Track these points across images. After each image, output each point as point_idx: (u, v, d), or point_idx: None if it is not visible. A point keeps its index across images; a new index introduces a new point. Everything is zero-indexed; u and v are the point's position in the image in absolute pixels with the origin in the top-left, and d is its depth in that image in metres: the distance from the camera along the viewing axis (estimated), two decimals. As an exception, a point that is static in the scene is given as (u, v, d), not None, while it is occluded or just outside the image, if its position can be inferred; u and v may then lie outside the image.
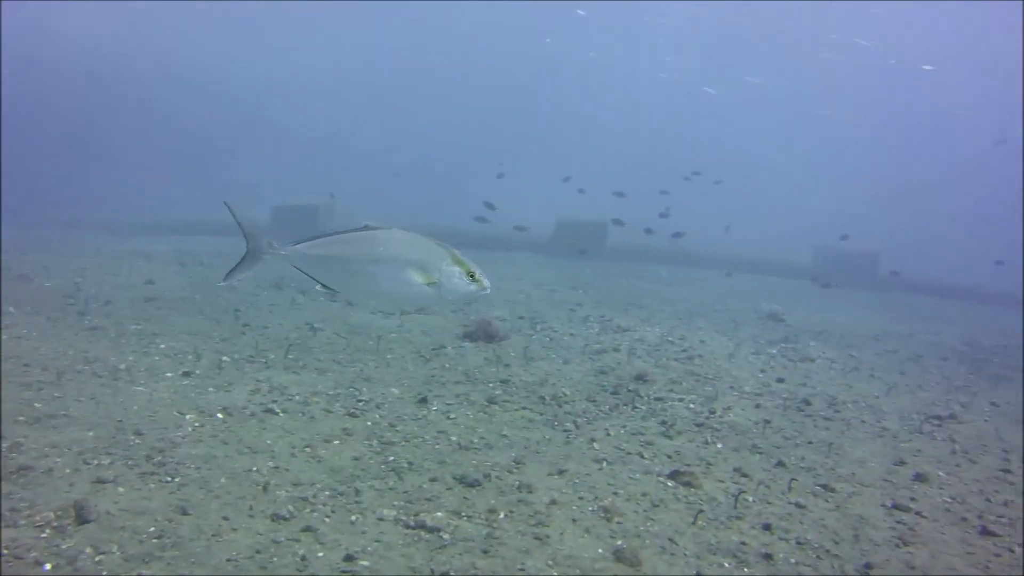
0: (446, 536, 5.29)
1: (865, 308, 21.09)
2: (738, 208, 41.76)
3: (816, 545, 5.64)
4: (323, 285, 5.20)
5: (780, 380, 10.58)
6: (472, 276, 5.17)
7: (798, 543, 5.65)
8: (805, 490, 6.71)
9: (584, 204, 26.32)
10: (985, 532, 6.35)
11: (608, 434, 7.76)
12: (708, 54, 55.80)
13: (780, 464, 7.28)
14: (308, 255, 5.17)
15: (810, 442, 8.04)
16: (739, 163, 56.43)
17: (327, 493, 5.82)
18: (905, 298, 24.89)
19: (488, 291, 5.28)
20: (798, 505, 6.34)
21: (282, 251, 5.18)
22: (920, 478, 7.33)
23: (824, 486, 6.82)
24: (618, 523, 5.75)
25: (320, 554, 4.90)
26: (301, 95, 61.36)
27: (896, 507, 6.56)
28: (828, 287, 21.99)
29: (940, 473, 7.62)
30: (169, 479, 5.84)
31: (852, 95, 59.55)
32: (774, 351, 12.64)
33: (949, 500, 6.94)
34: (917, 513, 6.51)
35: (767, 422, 8.53)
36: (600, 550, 5.29)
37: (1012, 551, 6.14)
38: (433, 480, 6.25)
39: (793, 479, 6.87)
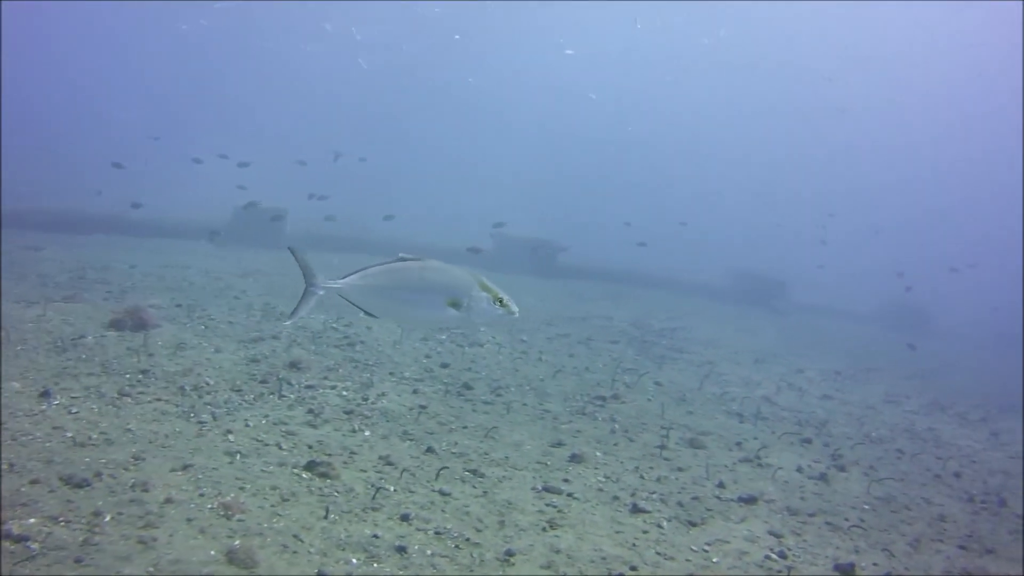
0: (35, 546, 4.48)
1: (535, 294, 21.50)
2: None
3: (456, 534, 5.33)
4: (366, 312, 5.75)
5: (445, 365, 10.35)
6: (500, 302, 5.57)
7: (437, 533, 5.31)
8: (453, 477, 6.43)
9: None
10: (636, 510, 6.35)
11: (247, 425, 7.13)
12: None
13: (430, 451, 6.97)
14: (355, 286, 5.69)
15: (466, 427, 7.82)
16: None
17: None
18: (576, 284, 25.66)
19: (516, 314, 5.65)
20: (442, 493, 6.03)
21: (334, 285, 5.73)
22: (576, 459, 7.30)
23: (474, 472, 6.58)
24: (239, 520, 5.15)
25: None
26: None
27: (547, 490, 6.44)
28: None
29: (597, 453, 7.63)
30: None
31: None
32: (444, 337, 12.42)
33: (603, 480, 6.94)
34: (569, 495, 6.42)
35: (423, 408, 8.23)
36: (213, 552, 4.70)
37: (660, 526, 6.12)
38: (34, 482, 5.35)
39: (443, 466, 6.53)
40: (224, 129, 52.34)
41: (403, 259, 5.68)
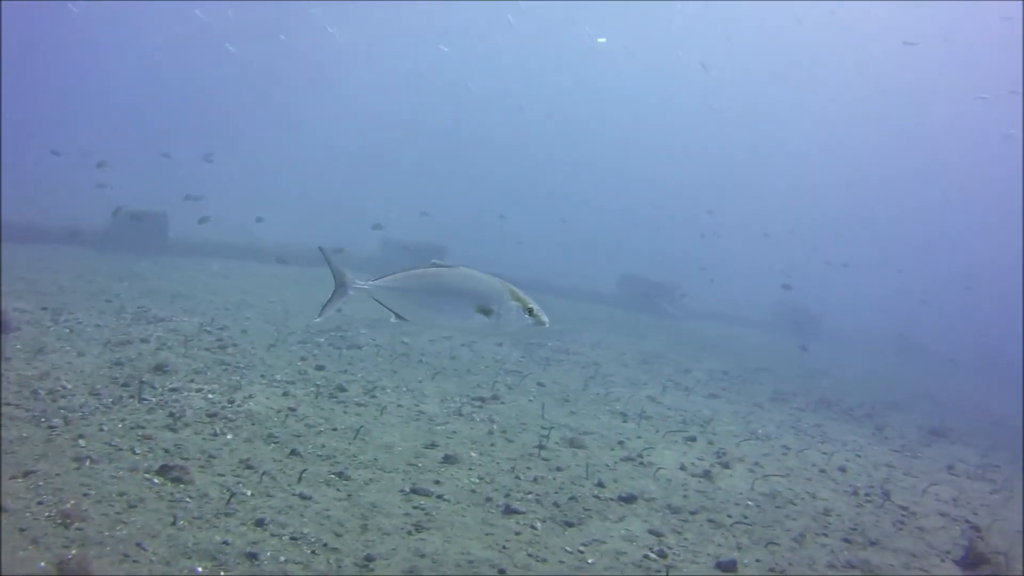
0: None
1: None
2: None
3: (314, 539, 5.02)
4: (396, 315, 5.76)
5: (320, 368, 10.00)
6: (530, 311, 5.61)
7: (293, 539, 5.00)
8: (317, 480, 6.10)
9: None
10: (509, 511, 6.14)
11: (102, 429, 6.68)
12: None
13: (294, 453, 6.63)
14: (385, 289, 5.75)
15: (335, 429, 7.49)
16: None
17: None
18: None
19: (547, 324, 5.68)
20: (303, 497, 5.70)
21: (364, 286, 5.78)
22: (449, 460, 7.06)
23: (339, 474, 6.26)
24: (78, 529, 4.76)
25: None
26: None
27: (415, 492, 6.16)
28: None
29: (473, 454, 7.41)
30: None
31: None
32: (322, 340, 12.05)
33: (477, 481, 6.71)
34: (439, 497, 6.17)
35: (292, 410, 7.87)
36: (43, 563, 4.33)
37: (534, 527, 5.92)
38: None
39: (305, 469, 6.20)
40: (90, 124, 50.85)
41: (436, 265, 5.77)
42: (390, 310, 5.79)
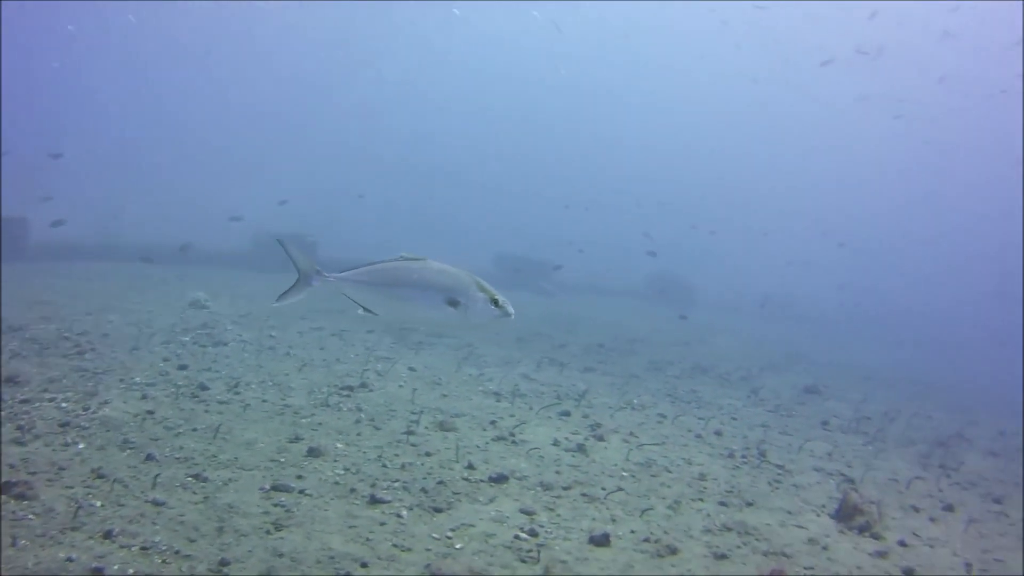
0: None
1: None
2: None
3: (165, 547, 4.84)
4: (364, 308, 5.89)
5: (183, 367, 9.68)
6: (496, 303, 5.70)
7: (143, 548, 4.81)
8: (173, 484, 5.89)
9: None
10: (374, 501, 6.08)
11: (-59, 451, 6.31)
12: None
13: (150, 458, 6.39)
14: (351, 281, 5.88)
15: (195, 429, 7.26)
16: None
17: None
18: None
19: (512, 316, 5.79)
20: (156, 503, 5.48)
21: (329, 278, 5.91)
22: (314, 453, 6.93)
23: (196, 476, 6.06)
24: (-94, 563, 4.46)
25: None
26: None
27: (276, 488, 6.01)
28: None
29: (338, 445, 7.30)
30: None
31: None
32: (187, 339, 11.68)
33: (342, 472, 6.60)
34: (301, 492, 6.03)
35: (150, 413, 7.60)
36: None
37: (400, 516, 5.85)
38: None
39: (159, 473, 5.97)
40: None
41: (404, 258, 5.85)
42: (357, 303, 5.92)
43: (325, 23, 62.77)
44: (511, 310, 5.79)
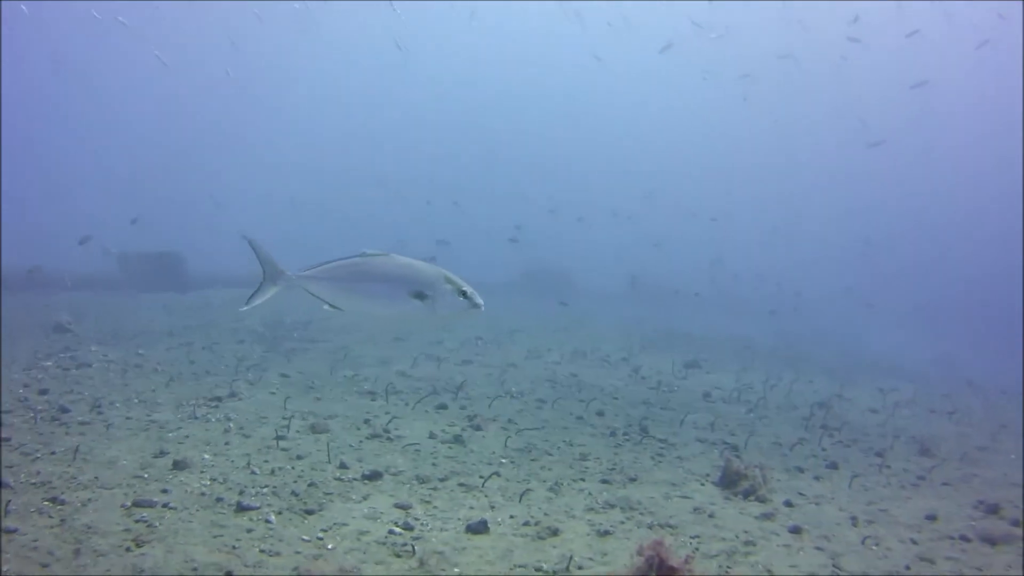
0: None
1: (162, 308, 20.20)
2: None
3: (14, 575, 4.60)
4: (330, 305, 5.87)
5: (43, 392, 9.29)
6: (464, 294, 5.70)
7: (-19, 581, 4.56)
8: (28, 510, 5.63)
9: None
10: (241, 508, 5.98)
11: None
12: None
13: (4, 486, 6.10)
14: (316, 279, 5.85)
15: (53, 452, 6.97)
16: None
17: None
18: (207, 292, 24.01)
19: (481, 307, 5.78)
20: (7, 531, 5.23)
21: (294, 277, 5.87)
22: (179, 466, 6.75)
23: (54, 500, 5.81)
24: None
25: None
26: None
27: (137, 504, 5.82)
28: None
29: (205, 456, 7.12)
30: None
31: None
32: (49, 363, 11.23)
33: (208, 483, 6.44)
34: (164, 506, 5.85)
35: (6, 440, 7.27)
36: None
37: (268, 521, 5.77)
38: None
39: (11, 500, 5.72)
40: None
41: (366, 254, 5.84)
42: (323, 300, 5.92)
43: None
44: (479, 301, 5.79)
